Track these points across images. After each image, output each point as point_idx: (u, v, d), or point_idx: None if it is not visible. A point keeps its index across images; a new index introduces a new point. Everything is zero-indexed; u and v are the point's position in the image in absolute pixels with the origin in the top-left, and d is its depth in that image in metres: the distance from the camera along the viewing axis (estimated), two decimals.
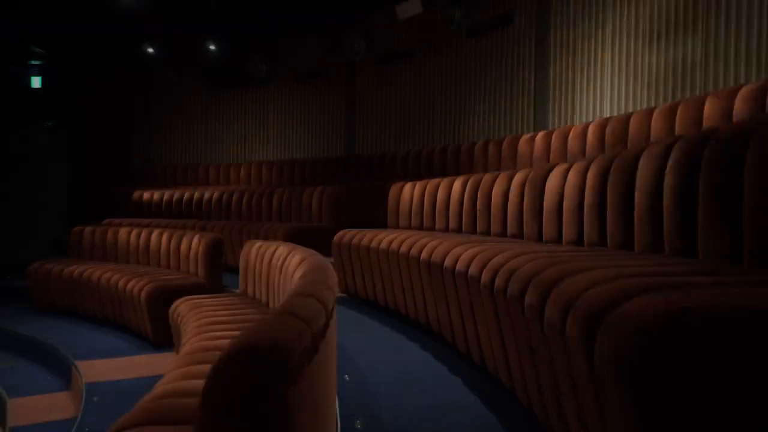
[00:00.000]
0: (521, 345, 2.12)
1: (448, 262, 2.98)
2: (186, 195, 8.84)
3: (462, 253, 2.85)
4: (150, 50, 10.23)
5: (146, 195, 9.31)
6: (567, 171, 3.03)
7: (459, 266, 2.80)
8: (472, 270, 2.60)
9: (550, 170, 3.23)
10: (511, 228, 3.62)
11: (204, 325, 3.44)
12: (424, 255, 3.40)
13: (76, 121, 10.36)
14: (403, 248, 3.78)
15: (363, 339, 3.66)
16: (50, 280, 6.94)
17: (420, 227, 5.07)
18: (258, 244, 4.65)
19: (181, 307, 4.35)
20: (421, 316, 3.71)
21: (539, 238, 3.27)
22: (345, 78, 9.15)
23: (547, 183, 3.21)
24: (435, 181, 4.93)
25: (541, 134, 5.70)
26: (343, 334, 3.78)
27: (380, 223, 6.81)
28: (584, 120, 5.71)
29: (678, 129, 3.92)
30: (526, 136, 5.91)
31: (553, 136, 5.48)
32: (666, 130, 4.04)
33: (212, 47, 9.96)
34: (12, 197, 9.78)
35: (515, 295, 2.00)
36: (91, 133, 10.45)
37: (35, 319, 6.81)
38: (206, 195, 8.57)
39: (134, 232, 7.03)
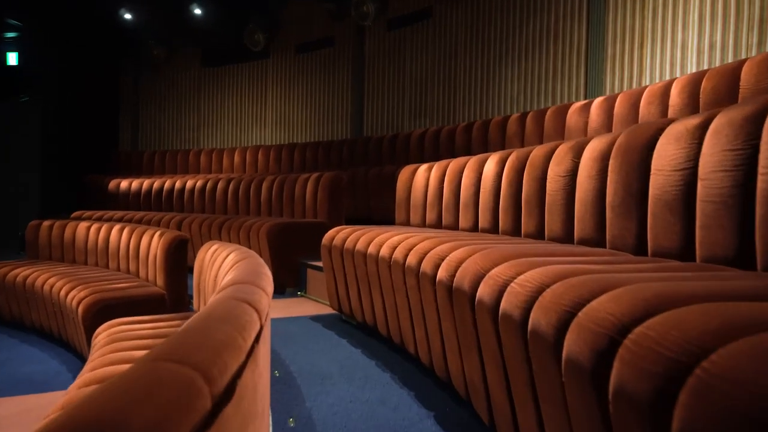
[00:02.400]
0: None
1: (483, 292, 1.67)
2: (167, 184, 7.62)
3: (511, 279, 1.53)
4: (135, 20, 9.04)
5: (124, 184, 8.13)
6: (701, 128, 1.68)
7: (507, 305, 1.49)
8: (538, 319, 1.28)
9: (660, 129, 1.88)
10: (581, 229, 2.28)
11: (91, 383, 2.18)
12: (441, 274, 2.09)
13: (53, 102, 9.21)
14: (411, 259, 2.47)
15: (348, 395, 2.37)
16: None
17: (437, 225, 3.75)
18: (214, 247, 3.37)
19: (101, 336, 3.11)
20: (439, 363, 2.40)
21: (639, 247, 1.93)
22: (352, 47, 7.83)
23: (655, 153, 1.86)
24: (459, 160, 3.60)
25: (598, 101, 4.32)
26: (319, 382, 2.49)
27: (390, 217, 5.52)
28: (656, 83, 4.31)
29: None
30: (577, 105, 4.53)
31: (617, 102, 4.10)
32: None
33: (204, 16, 8.72)
34: None
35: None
36: (71, 114, 9.30)
37: None
38: (189, 184, 7.34)
39: (93, 228, 5.84)
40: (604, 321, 1.02)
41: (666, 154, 1.79)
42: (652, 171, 1.85)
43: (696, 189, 1.65)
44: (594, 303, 1.12)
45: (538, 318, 1.29)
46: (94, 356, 2.69)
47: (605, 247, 2.11)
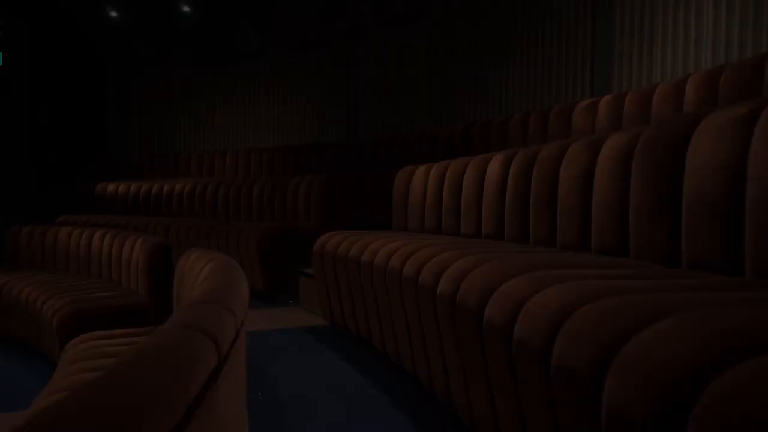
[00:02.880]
0: None
1: (493, 312, 1.41)
2: (155, 188, 7.36)
3: (527, 297, 1.28)
4: (123, 20, 8.80)
5: (111, 188, 7.86)
6: (749, 119, 1.43)
7: (523, 330, 1.23)
8: (567, 352, 1.03)
9: (694, 122, 1.63)
10: (599, 236, 2.03)
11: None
12: (443, 287, 1.83)
13: (38, 104, 8.94)
14: (409, 269, 2.21)
15: (338, 424, 2.11)
16: None
17: (437, 230, 3.49)
18: (194, 255, 3.11)
19: (70, 353, 2.85)
20: (440, 386, 2.14)
21: (670, 257, 1.67)
22: (347, 47, 7.59)
23: (690, 150, 1.61)
24: (460, 161, 3.35)
25: (606, 99, 4.08)
26: (306, 406, 2.22)
27: (386, 222, 5.27)
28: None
29: None
30: (583, 103, 4.29)
31: (627, 100, 3.86)
32: None
33: (194, 16, 8.48)
34: None
35: None
36: (57, 116, 9.03)
37: None
38: (177, 188, 7.08)
39: (75, 234, 5.56)
40: (666, 365, 0.77)
41: (704, 151, 1.54)
42: (687, 170, 1.60)
43: (745, 190, 1.40)
44: (645, 336, 0.86)
45: (566, 350, 1.04)
46: (57, 377, 2.44)
47: (629, 257, 1.86)
